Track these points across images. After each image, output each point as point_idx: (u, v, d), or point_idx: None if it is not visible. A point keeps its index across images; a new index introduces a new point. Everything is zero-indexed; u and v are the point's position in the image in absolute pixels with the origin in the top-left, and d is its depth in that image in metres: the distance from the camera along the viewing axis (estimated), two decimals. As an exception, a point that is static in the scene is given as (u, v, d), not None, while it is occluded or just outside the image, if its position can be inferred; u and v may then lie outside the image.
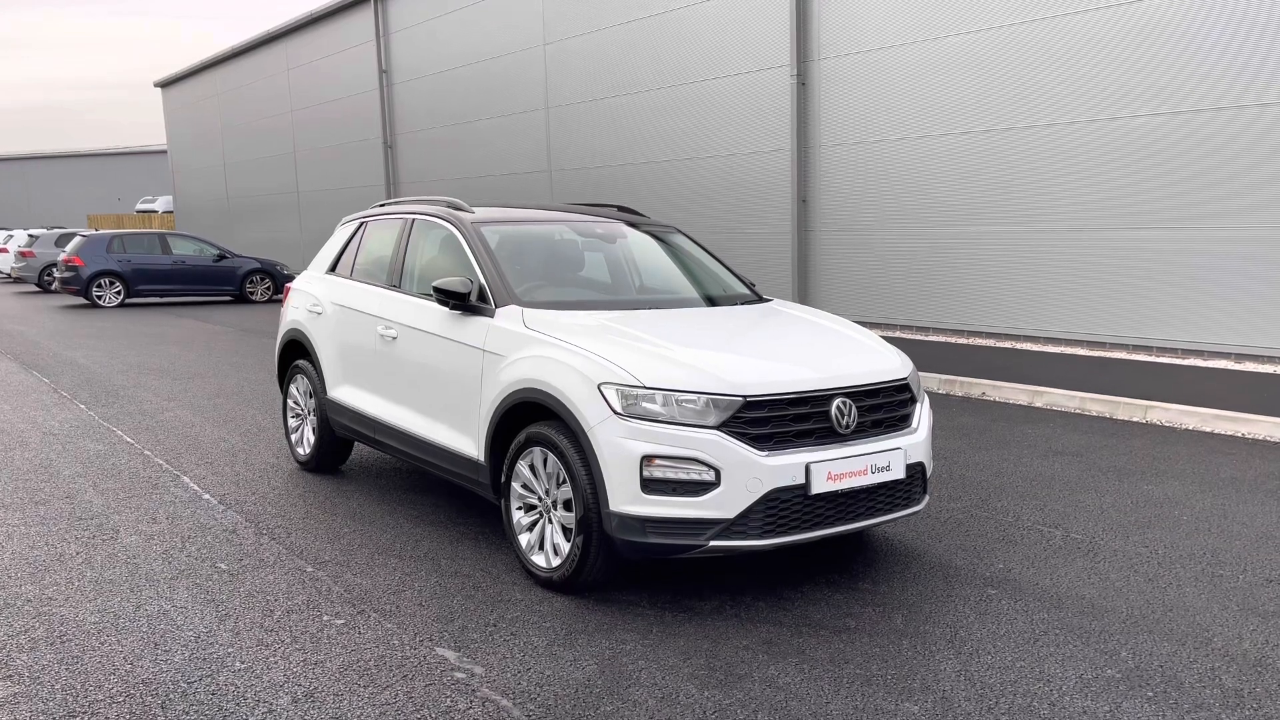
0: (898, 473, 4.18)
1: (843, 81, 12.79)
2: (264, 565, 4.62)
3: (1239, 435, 7.16)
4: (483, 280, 4.87)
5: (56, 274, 20.74)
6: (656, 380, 3.94)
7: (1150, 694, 3.32)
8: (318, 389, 6.11)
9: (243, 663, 3.58)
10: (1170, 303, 10.03)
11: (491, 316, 4.69)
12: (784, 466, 3.88)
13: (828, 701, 3.28)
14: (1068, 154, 10.66)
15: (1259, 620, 3.91)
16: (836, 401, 4.09)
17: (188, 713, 3.22)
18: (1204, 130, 9.58)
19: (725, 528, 3.85)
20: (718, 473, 3.82)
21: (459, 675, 3.48)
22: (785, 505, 3.90)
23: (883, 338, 4.95)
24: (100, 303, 19.87)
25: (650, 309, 4.95)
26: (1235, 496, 5.62)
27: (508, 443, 4.49)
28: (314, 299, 6.27)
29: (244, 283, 20.94)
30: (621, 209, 6.29)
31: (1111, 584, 4.32)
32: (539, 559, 4.32)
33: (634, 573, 4.41)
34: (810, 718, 3.17)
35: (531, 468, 4.34)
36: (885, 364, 4.45)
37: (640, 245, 5.83)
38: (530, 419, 4.38)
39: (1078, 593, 4.22)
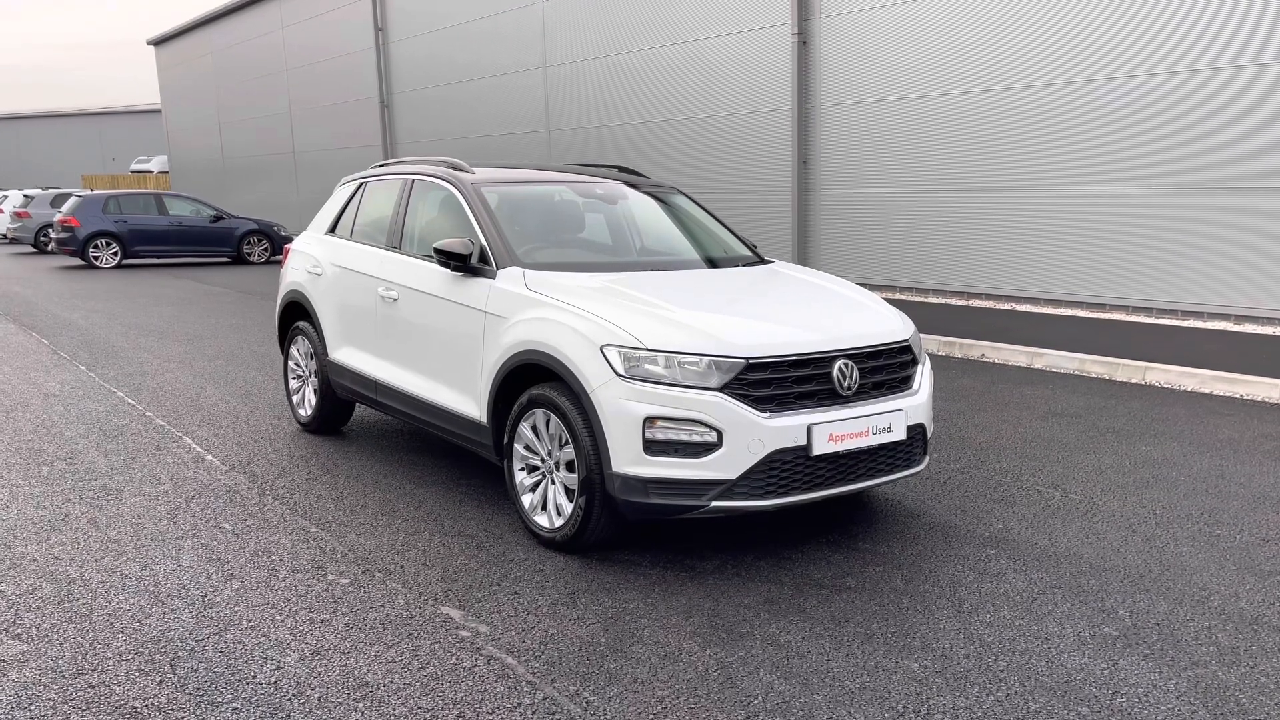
0: (898, 434, 4.20)
1: (844, 40, 12.65)
2: (268, 526, 4.65)
3: (1237, 397, 7.18)
4: (484, 241, 4.85)
5: (53, 235, 20.64)
6: (659, 342, 3.95)
7: (1147, 651, 3.36)
8: (319, 351, 6.11)
9: (250, 621, 3.62)
10: (1170, 264, 10.02)
11: (493, 278, 4.68)
12: (786, 428, 3.90)
13: (828, 659, 3.32)
14: (1071, 114, 10.58)
15: (1255, 579, 3.95)
16: (838, 363, 4.10)
17: (196, 670, 3.26)
18: (1205, 90, 9.49)
19: (727, 488, 3.88)
20: (720, 434, 3.84)
21: (464, 633, 3.52)
22: (787, 466, 3.92)
23: (883, 299, 4.95)
24: (97, 264, 19.80)
25: (652, 270, 4.94)
26: (1233, 457, 5.65)
27: (510, 404, 4.50)
28: (314, 260, 6.24)
29: (241, 244, 20.86)
30: (622, 169, 6.25)
31: (1109, 544, 4.36)
32: (542, 519, 4.35)
33: (636, 533, 4.45)
34: (811, 675, 3.22)
35: (534, 429, 4.36)
36: (887, 326, 4.45)
37: (641, 206, 5.80)
38: (532, 380, 4.39)
39: (1076, 552, 4.26)
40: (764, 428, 3.87)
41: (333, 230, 6.33)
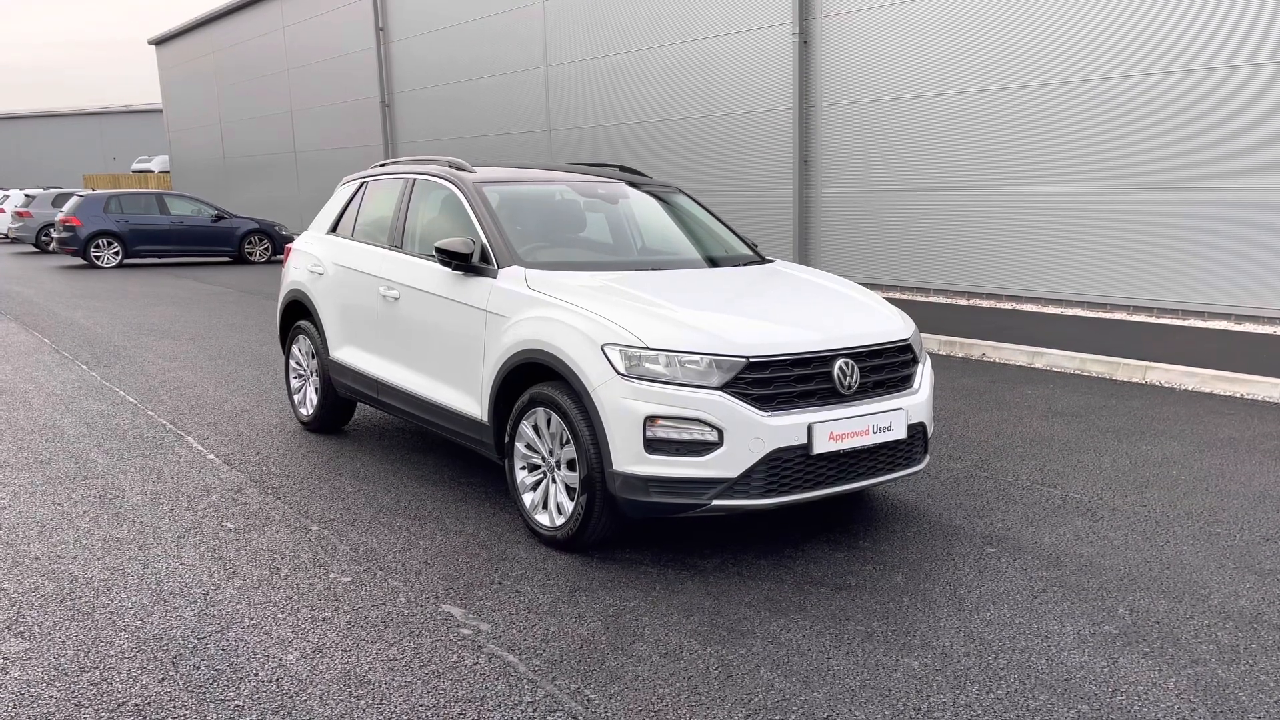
0: (899, 433, 4.21)
1: (845, 39, 12.66)
2: (270, 524, 4.66)
3: (1238, 396, 7.19)
4: (485, 241, 4.86)
5: (54, 234, 20.64)
6: (659, 341, 3.95)
7: (1147, 649, 3.37)
8: (320, 350, 6.12)
9: (251, 619, 3.63)
10: (1170, 264, 10.02)
11: (494, 277, 4.69)
12: (786, 427, 3.90)
13: (829, 657, 3.33)
14: (1071, 114, 10.58)
15: (1255, 578, 3.96)
16: (839, 362, 4.11)
17: (199, 668, 3.27)
18: (1205, 90, 9.49)
19: (728, 487, 3.88)
20: (720, 433, 3.85)
21: (465, 631, 3.53)
22: (787, 465, 3.93)
23: (884, 298, 4.96)
24: (98, 263, 19.81)
25: (652, 270, 4.95)
26: (1233, 456, 5.66)
27: (511, 403, 4.51)
28: (315, 259, 6.25)
29: (242, 243, 20.87)
30: (623, 169, 6.26)
31: (1109, 542, 4.36)
32: (543, 518, 4.35)
33: (637, 531, 4.46)
34: (812, 673, 3.22)
35: (535, 428, 4.36)
36: (887, 325, 4.46)
37: (642, 206, 5.80)
38: (533, 380, 4.39)
39: (1076, 551, 4.26)
40: (764, 426, 3.87)
41: (334, 230, 6.34)
